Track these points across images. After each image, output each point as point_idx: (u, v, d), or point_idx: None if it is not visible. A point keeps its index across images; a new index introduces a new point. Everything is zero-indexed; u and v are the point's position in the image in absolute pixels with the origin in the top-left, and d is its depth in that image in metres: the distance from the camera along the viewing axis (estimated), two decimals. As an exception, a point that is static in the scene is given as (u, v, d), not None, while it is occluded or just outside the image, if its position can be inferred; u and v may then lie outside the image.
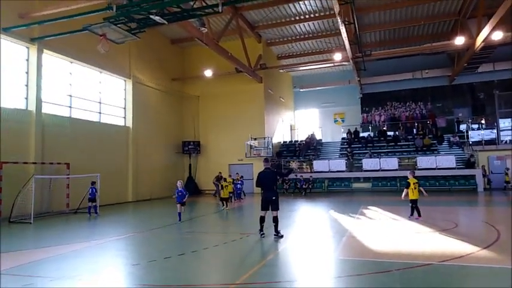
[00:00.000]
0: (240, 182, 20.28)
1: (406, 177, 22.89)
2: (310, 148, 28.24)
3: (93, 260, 7.18)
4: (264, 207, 8.71)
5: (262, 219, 8.76)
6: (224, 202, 15.37)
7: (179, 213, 11.86)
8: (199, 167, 26.22)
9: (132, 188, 21.07)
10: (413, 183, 11.07)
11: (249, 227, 10.46)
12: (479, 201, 17.39)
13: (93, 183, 14.67)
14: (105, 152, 19.32)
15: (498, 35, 18.50)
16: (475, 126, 25.86)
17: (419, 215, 10.97)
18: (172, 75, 26.27)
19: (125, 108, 21.69)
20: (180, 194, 11.95)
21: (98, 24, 12.68)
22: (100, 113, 19.83)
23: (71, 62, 18.03)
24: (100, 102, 19.90)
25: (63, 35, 15.16)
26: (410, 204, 11.18)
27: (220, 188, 15.89)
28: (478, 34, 19.46)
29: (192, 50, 27.06)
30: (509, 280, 5.27)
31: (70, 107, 17.92)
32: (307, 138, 29.21)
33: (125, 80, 21.75)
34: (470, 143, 24.21)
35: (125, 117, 21.61)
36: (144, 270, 6.20)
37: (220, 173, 23.29)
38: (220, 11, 13.02)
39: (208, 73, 24.50)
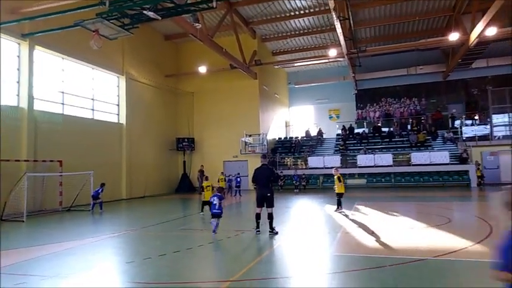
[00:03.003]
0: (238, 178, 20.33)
1: (401, 173, 23.40)
2: (320, 143, 28.64)
3: (87, 258, 7.12)
4: (260, 204, 8.69)
5: (258, 216, 8.71)
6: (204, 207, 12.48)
7: None
8: (194, 164, 26.13)
9: (126, 186, 20.95)
10: (338, 179, 12.37)
11: (244, 224, 10.46)
12: (473, 196, 17.55)
13: (103, 184, 14.85)
14: (99, 149, 19.17)
15: (492, 31, 18.57)
16: (469, 122, 26.01)
17: (340, 207, 12.30)
18: (166, 71, 26.09)
19: (118, 104, 21.51)
20: None
21: (91, 19, 12.50)
22: (93, 109, 19.65)
23: (63, 59, 17.81)
24: (93, 99, 19.71)
25: (55, 31, 14.91)
26: (337, 198, 12.39)
27: (200, 189, 12.79)
28: (472, 30, 19.53)
29: (186, 46, 26.89)
30: None
31: (63, 103, 17.73)
32: (318, 134, 29.62)
33: (118, 77, 21.55)
34: (464, 138, 24.36)
35: (118, 114, 21.44)
36: (139, 268, 6.16)
37: (202, 166, 23.25)
38: (214, 6, 12.91)
39: (202, 69, 24.38)
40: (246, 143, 24.98)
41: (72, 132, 17.43)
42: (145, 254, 7.12)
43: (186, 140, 26.07)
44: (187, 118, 26.85)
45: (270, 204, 8.64)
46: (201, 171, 23.24)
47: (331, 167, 24.07)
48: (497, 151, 23.17)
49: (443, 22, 24.42)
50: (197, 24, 17.60)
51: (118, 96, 21.59)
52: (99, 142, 19.22)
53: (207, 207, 12.00)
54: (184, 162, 26.26)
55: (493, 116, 24.14)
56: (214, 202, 8.81)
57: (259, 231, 8.63)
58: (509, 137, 23.52)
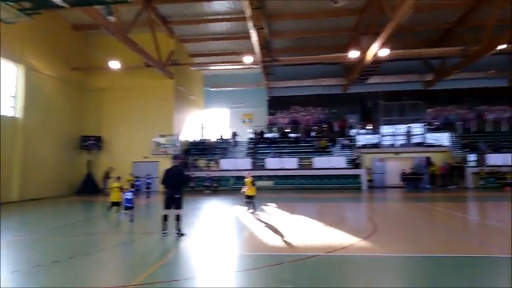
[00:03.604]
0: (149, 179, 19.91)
1: (304, 176, 25.14)
2: (235, 146, 29.26)
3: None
4: (168, 206, 8.67)
5: (165, 218, 8.66)
6: (113, 207, 12.08)
7: None
8: (101, 164, 24.58)
9: (18, 186, 18.89)
10: (250, 182, 12.86)
11: (151, 226, 10.31)
12: (363, 198, 19.75)
13: None
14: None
15: (384, 52, 21.21)
16: (363, 131, 29.15)
17: (254, 209, 12.68)
18: (74, 64, 24.19)
19: (15, 96, 19.33)
20: None
21: (-19, -1, 11.11)
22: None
23: None
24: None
25: None
26: (246, 200, 12.86)
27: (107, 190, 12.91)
28: (368, 50, 21.98)
29: (98, 39, 25.24)
30: (385, 266, 6.20)
31: None
32: (233, 136, 30.07)
33: (16, 65, 19.38)
34: (358, 146, 27.21)
35: (14, 107, 19.27)
36: (25, 277, 5.65)
37: (109, 167, 22.22)
38: (129, 0, 12.50)
39: (114, 65, 23.13)
40: (158, 143, 24.41)
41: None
42: (35, 261, 6.53)
43: (92, 138, 24.48)
44: (96, 115, 25.25)
45: (179, 206, 8.69)
46: (107, 173, 22.20)
47: (242, 170, 25.05)
48: (384, 158, 26.45)
49: (345, 40, 26.91)
50: (111, 17, 16.82)
51: (16, 87, 19.40)
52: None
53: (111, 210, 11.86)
54: (89, 162, 24.60)
55: (383, 126, 27.45)
56: (129, 197, 10.68)
57: (166, 233, 8.58)
58: (394, 146, 27.02)
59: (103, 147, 25.02)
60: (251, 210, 12.67)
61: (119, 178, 12.78)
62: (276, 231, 9.29)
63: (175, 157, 9.43)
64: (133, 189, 11.14)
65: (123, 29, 18.99)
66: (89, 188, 23.75)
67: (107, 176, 22.36)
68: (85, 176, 24.36)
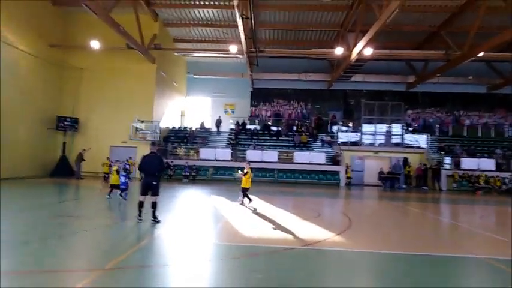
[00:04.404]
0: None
1: (284, 170, 25.18)
2: (218, 133, 29.36)
3: None
4: (144, 192, 8.56)
5: (141, 204, 8.56)
6: (113, 190, 12.64)
7: None
8: (76, 147, 23.89)
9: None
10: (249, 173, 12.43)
11: (127, 212, 10.15)
12: (340, 194, 19.99)
13: None
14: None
15: (369, 51, 21.37)
16: (344, 128, 29.46)
17: (249, 200, 12.30)
18: (52, 41, 23.21)
19: (-15, 70, 18.44)
20: None
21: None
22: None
23: None
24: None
25: None
26: (242, 192, 12.42)
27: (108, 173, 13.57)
28: (353, 47, 22.09)
29: (79, 16, 24.20)
30: (356, 261, 6.23)
31: None
32: (217, 123, 29.87)
33: (-12, 38, 18.46)
34: (339, 143, 27.50)
35: (-16, 82, 18.39)
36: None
37: (83, 150, 21.80)
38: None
39: (95, 44, 22.38)
40: (137, 128, 23.92)
41: None
42: (4, 240, 6.29)
43: (68, 119, 23.73)
44: (73, 96, 24.44)
45: (155, 193, 8.57)
46: (81, 155, 21.64)
47: (222, 160, 25.01)
48: (364, 156, 26.82)
49: (332, 36, 27.00)
50: (92, -6, 16.18)
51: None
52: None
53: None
54: (64, 143, 23.87)
55: (364, 125, 27.80)
56: (124, 180, 12.04)
57: (141, 219, 8.49)
58: (374, 145, 27.43)
59: (79, 129, 24.31)
60: (240, 202, 12.30)
61: (117, 161, 13.64)
62: (252, 222, 9.26)
63: (153, 143, 9.26)
64: (125, 173, 12.15)
65: (105, 8, 18.34)
66: (63, 170, 23.14)
67: (80, 158, 21.78)
68: (59, 157, 23.66)
